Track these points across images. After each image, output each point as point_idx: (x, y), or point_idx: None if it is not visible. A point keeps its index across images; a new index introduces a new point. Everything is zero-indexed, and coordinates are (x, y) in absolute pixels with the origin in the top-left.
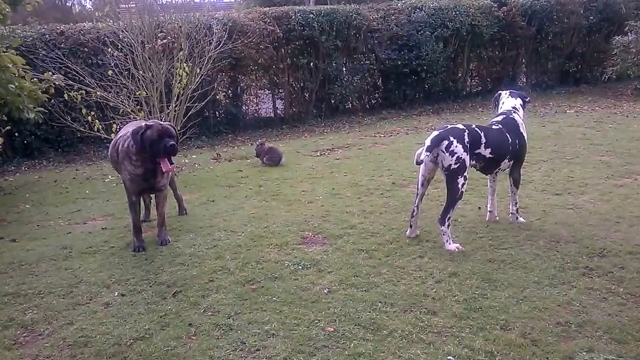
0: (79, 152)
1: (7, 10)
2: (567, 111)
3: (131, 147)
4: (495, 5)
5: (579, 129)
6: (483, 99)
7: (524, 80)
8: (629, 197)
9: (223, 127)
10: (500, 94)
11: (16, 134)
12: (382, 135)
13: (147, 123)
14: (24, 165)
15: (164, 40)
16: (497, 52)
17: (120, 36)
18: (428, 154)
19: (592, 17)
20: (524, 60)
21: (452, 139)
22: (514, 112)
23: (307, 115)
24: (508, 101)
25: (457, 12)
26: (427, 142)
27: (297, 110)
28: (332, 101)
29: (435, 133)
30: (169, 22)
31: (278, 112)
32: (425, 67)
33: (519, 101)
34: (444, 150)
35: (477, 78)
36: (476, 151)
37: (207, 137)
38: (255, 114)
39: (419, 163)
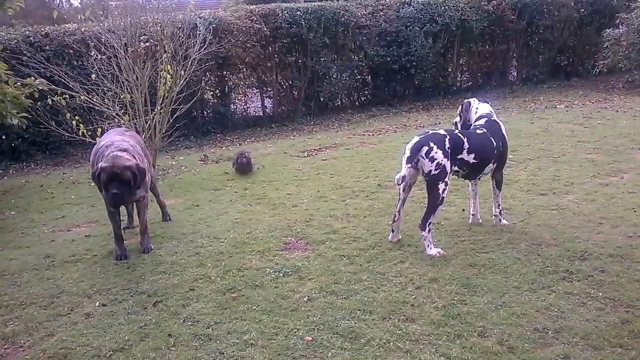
0: (67, 155)
1: None
2: (558, 106)
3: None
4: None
5: (568, 126)
6: (474, 94)
7: (515, 74)
8: (613, 197)
9: (211, 126)
10: (469, 102)
11: (3, 137)
12: (371, 134)
13: (101, 165)
14: (12, 169)
15: (147, 43)
16: (487, 47)
17: (103, 39)
18: (409, 165)
19: (583, 10)
20: (514, 55)
21: (431, 144)
22: (493, 114)
23: (296, 114)
24: (482, 107)
25: (446, 7)
26: (407, 153)
27: (286, 109)
28: (321, 99)
29: (415, 140)
30: (152, 25)
31: (267, 110)
32: (414, 63)
33: (489, 106)
34: (423, 156)
35: (467, 73)
36: (458, 157)
37: (195, 137)
38: (244, 113)
39: (400, 184)
